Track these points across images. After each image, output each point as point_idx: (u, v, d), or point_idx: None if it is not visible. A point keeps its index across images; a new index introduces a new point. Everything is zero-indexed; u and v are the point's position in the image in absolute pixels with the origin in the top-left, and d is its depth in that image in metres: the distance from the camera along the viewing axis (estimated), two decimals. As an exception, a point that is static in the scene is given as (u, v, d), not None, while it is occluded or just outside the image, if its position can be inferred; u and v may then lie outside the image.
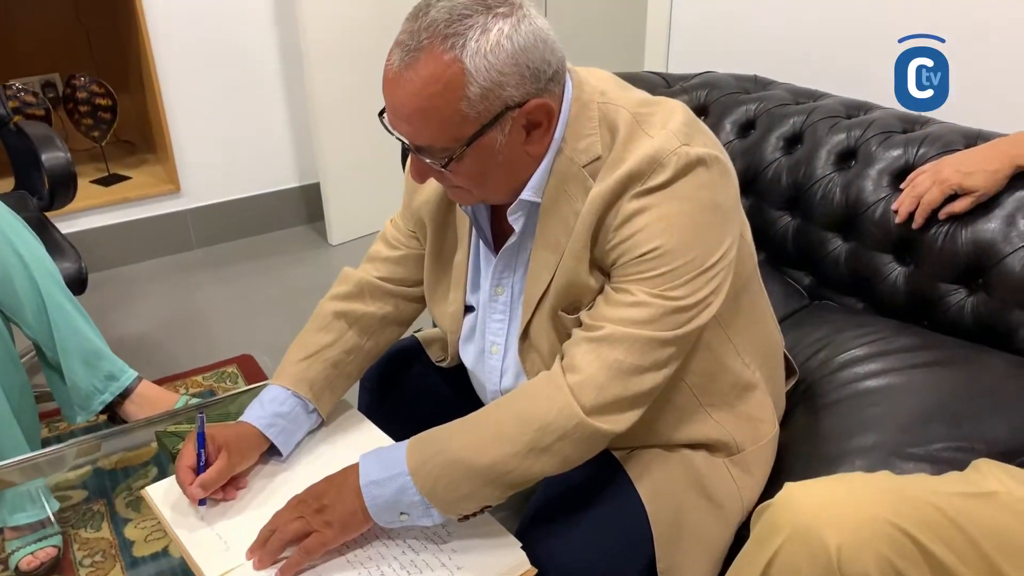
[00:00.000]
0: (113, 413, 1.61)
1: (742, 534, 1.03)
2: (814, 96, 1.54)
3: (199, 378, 2.09)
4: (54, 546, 1.53)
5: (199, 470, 1.03)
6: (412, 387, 1.27)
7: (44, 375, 1.61)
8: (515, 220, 0.97)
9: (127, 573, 1.49)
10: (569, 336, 0.95)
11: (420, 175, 0.95)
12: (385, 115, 0.90)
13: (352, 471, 0.95)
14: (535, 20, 0.86)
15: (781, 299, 1.40)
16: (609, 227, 0.90)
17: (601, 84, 0.95)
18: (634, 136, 0.90)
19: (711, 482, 1.03)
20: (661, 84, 1.70)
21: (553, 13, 2.91)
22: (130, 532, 1.60)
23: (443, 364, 1.22)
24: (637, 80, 1.70)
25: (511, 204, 0.95)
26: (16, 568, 1.49)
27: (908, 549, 0.77)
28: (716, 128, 1.56)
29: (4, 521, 1.50)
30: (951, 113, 1.33)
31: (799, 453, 1.09)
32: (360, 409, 1.26)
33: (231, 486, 1.06)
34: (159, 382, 2.05)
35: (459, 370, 1.19)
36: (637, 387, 0.89)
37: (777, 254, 1.51)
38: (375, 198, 2.63)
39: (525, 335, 1.01)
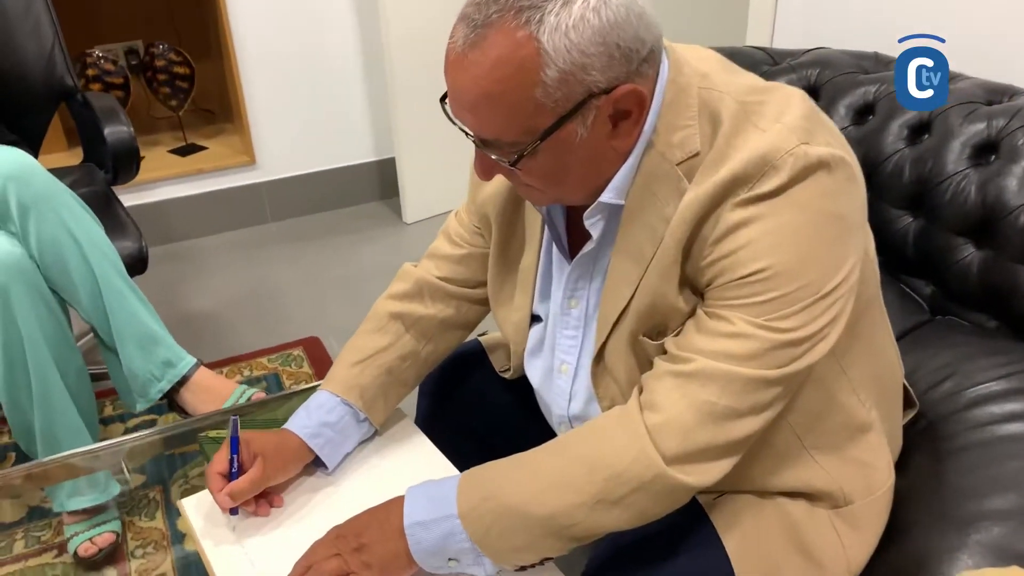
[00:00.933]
0: (172, 400, 1.56)
1: (846, 602, 0.88)
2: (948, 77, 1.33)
3: (264, 360, 2.04)
4: (112, 531, 1.49)
5: (231, 477, 0.94)
6: (473, 397, 1.15)
7: (103, 358, 1.57)
8: (593, 225, 0.83)
9: (176, 567, 1.44)
10: (651, 364, 0.81)
11: (485, 172, 0.82)
12: (447, 102, 0.77)
13: (396, 507, 0.84)
14: None
15: (898, 312, 1.22)
16: (706, 239, 0.75)
17: (703, 65, 0.80)
18: (741, 130, 0.75)
19: (811, 537, 0.88)
20: (766, 61, 1.51)
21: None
22: (183, 524, 1.54)
23: (507, 376, 1.09)
24: (738, 56, 1.51)
25: (589, 206, 0.82)
26: (74, 554, 1.46)
27: None
28: (829, 113, 1.37)
29: (63, 506, 1.46)
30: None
31: (920, 509, 0.92)
32: (417, 416, 1.15)
33: (264, 501, 0.97)
34: (223, 363, 2.01)
35: (525, 381, 1.06)
36: (731, 434, 0.75)
37: (895, 259, 1.32)
38: (452, 175, 2.49)
39: (600, 357, 0.87)
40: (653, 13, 0.74)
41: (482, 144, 0.78)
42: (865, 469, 0.90)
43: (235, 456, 0.95)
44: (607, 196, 0.80)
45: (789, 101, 0.77)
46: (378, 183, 2.93)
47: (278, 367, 2.00)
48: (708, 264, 0.75)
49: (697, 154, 0.77)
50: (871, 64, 1.43)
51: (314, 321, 2.22)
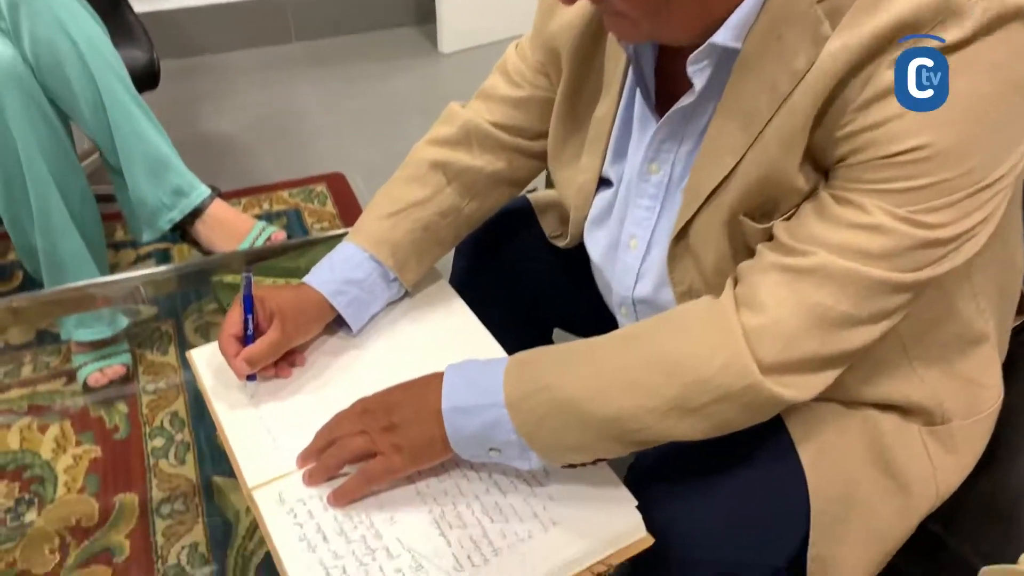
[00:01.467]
0: (184, 231, 1.45)
1: (925, 528, 0.79)
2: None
3: (285, 194, 1.91)
4: (123, 364, 1.43)
5: (246, 340, 0.84)
6: (517, 262, 1.03)
7: (111, 180, 1.44)
8: (697, 72, 0.66)
9: (190, 407, 1.38)
10: (749, 251, 0.68)
11: None
12: None
13: (433, 387, 0.73)
14: None
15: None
16: (848, 103, 0.59)
17: None
18: None
19: (898, 455, 0.77)
20: None
21: None
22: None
23: (558, 242, 0.96)
24: None
25: (695, 48, 0.65)
26: (84, 384, 1.40)
27: None
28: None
29: (70, 335, 1.39)
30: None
31: (1025, 433, 0.81)
32: (452, 279, 1.03)
33: (285, 362, 0.87)
34: (240, 194, 1.88)
35: (581, 251, 0.93)
36: (841, 344, 0.63)
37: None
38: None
39: (682, 235, 0.73)
40: None
41: None
42: (971, 387, 0.78)
43: (250, 317, 0.84)
44: (721, 37, 0.63)
45: None
46: (413, 5, 2.68)
47: (299, 203, 1.88)
48: (846, 135, 0.60)
49: None
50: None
51: (339, 156, 2.06)
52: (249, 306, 0.84)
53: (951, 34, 0.55)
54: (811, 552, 0.76)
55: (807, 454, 0.76)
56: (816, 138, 0.62)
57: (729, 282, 0.67)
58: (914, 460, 0.77)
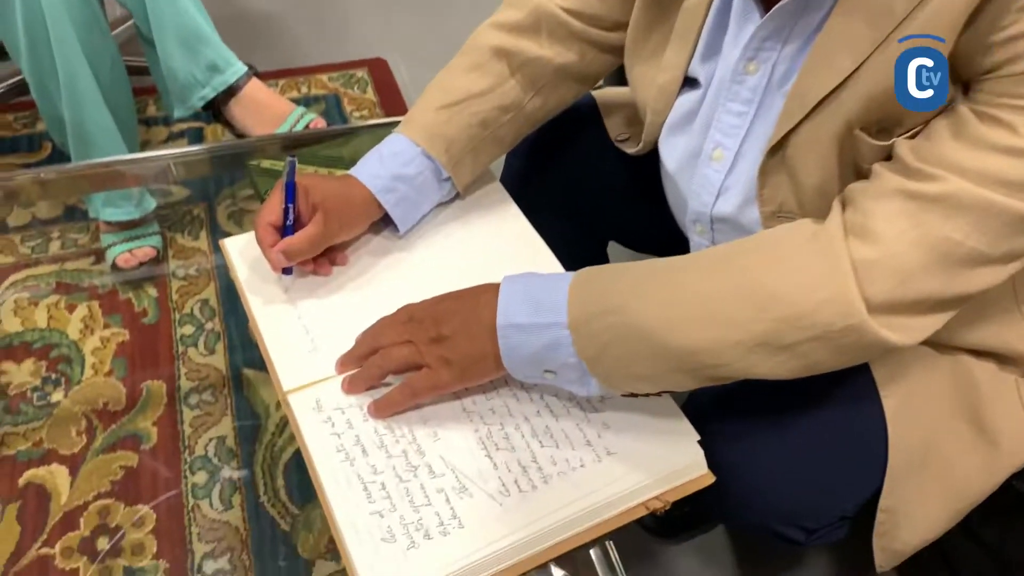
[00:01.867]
0: (218, 111, 1.37)
1: (1010, 487, 0.73)
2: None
3: (324, 77, 1.81)
4: (152, 247, 1.38)
5: (285, 231, 0.77)
6: (577, 166, 0.94)
7: (144, 51, 1.36)
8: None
9: (221, 297, 1.34)
10: (857, 172, 0.60)
11: None
12: None
13: (487, 299, 0.66)
14: None
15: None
16: (1008, 5, 0.50)
17: None
18: None
19: (990, 406, 0.70)
20: None
21: None
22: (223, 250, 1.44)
23: (626, 147, 0.88)
24: None
25: None
26: (113, 264, 1.35)
27: None
28: None
29: (98, 213, 1.33)
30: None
31: None
32: (503, 179, 0.95)
33: (324, 259, 0.81)
34: (278, 75, 1.79)
35: (649, 159, 0.85)
36: (964, 285, 0.55)
37: None
38: None
39: (779, 148, 0.65)
40: None
41: None
42: (1083, 339, 0.70)
43: (291, 206, 0.77)
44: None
45: None
46: None
47: (339, 88, 1.78)
48: (1005, 40, 0.50)
49: None
50: None
51: (381, 38, 1.94)
52: (291, 194, 0.77)
53: None
54: (882, 503, 0.71)
55: (891, 398, 0.69)
56: (964, 42, 0.53)
57: (836, 206, 0.58)
58: (1007, 413, 0.71)
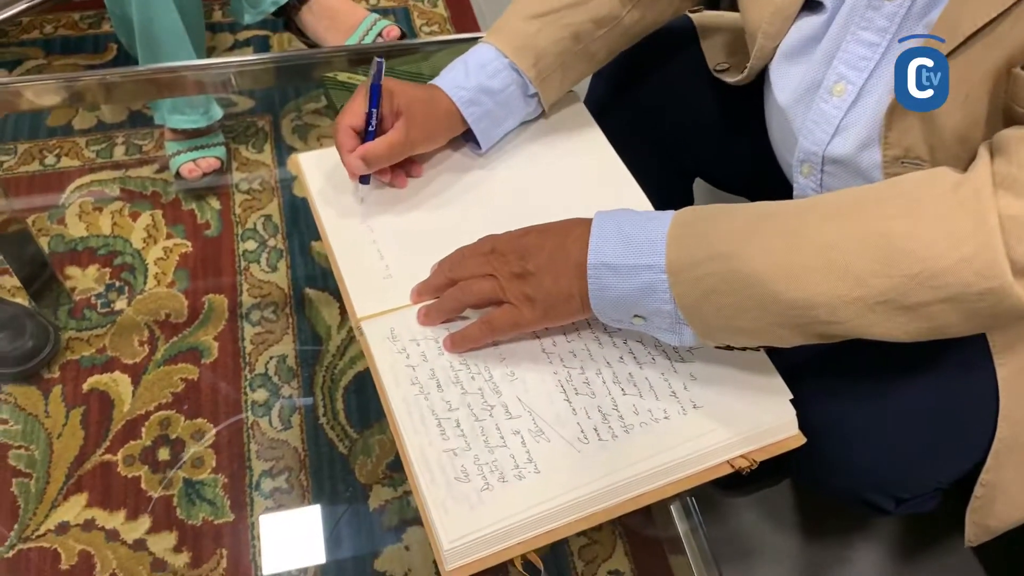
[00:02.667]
0: (288, 18, 1.32)
1: None
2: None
3: (393, -11, 1.73)
4: (217, 157, 1.35)
5: (366, 136, 0.73)
6: (666, 94, 0.88)
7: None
8: None
9: (284, 214, 1.31)
10: (1008, 117, 0.53)
11: None
12: None
13: (577, 234, 0.62)
14: None
15: None
16: None
17: None
18: None
19: (1116, 383, 0.65)
20: None
21: None
22: (293, 167, 1.43)
23: (725, 76, 0.81)
24: None
25: None
26: (177, 173, 1.33)
27: None
28: None
29: (164, 120, 1.31)
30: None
31: None
32: (586, 104, 0.89)
33: (401, 170, 0.77)
34: (345, -17, 1.71)
35: (751, 90, 0.78)
36: None
37: None
38: None
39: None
40: None
41: None
42: None
43: (375, 110, 0.72)
44: None
45: None
46: None
47: (409, 3, 1.71)
48: None
49: None
50: None
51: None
52: (376, 98, 0.72)
53: None
54: (983, 477, 0.66)
55: (1005, 368, 0.64)
56: None
57: (984, 154, 0.52)
58: None
